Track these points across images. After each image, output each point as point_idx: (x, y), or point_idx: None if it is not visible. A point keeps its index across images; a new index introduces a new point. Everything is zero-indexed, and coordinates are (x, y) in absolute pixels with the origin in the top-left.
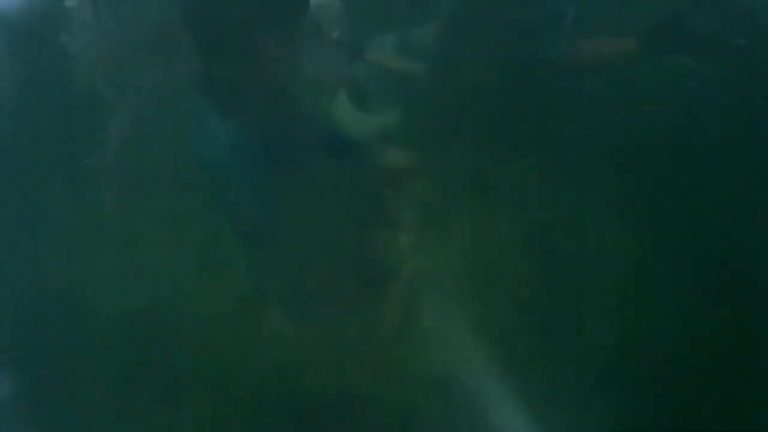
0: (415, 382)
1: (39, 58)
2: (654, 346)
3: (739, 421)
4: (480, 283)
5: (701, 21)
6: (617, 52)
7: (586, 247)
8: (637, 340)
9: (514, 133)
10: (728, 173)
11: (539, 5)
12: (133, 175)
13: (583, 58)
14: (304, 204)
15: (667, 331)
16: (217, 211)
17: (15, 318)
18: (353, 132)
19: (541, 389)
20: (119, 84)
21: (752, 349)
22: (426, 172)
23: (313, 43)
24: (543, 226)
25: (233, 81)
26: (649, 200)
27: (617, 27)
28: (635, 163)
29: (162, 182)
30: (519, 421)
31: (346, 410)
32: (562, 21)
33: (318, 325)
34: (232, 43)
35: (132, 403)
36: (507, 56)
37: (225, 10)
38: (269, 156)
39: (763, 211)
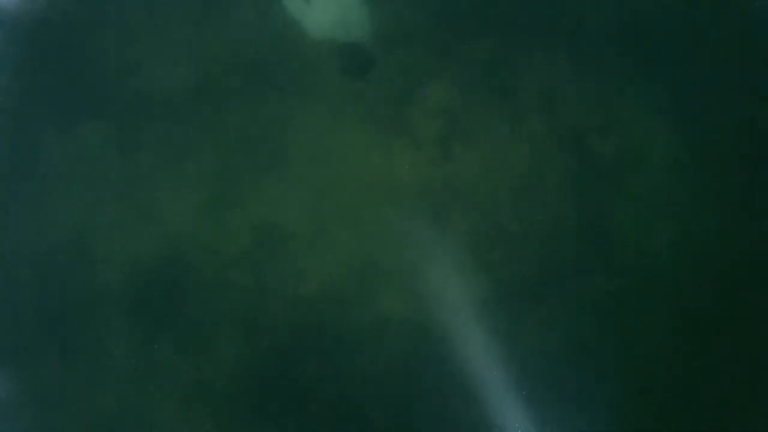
0: (447, 304)
1: None
2: (699, 249)
3: None
4: (512, 197)
5: None
6: None
7: (622, 149)
8: (680, 243)
9: (534, 23)
10: None
11: None
12: (127, 107)
13: None
14: (318, 119)
15: (711, 233)
16: (221, 139)
17: (29, 274)
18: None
19: (584, 301)
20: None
21: None
22: (445, 76)
23: None
24: (575, 130)
25: None
26: (684, 95)
27: None
28: (669, 56)
29: (157, 112)
30: (558, 336)
31: (376, 336)
32: None
33: (340, 252)
34: None
35: (157, 347)
36: None
37: None
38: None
39: None
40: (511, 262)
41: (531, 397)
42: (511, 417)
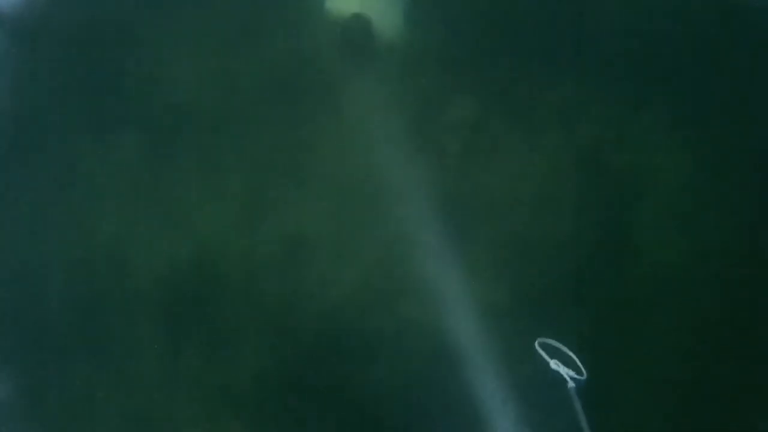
0: (468, 311)
1: None
2: (713, 263)
3: None
4: (531, 209)
5: None
6: None
7: (637, 162)
8: (695, 255)
9: (553, 46)
10: None
11: None
12: (159, 118)
13: None
14: (344, 136)
15: (725, 246)
16: (250, 152)
17: (65, 275)
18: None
19: (600, 310)
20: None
21: None
22: (468, 91)
23: None
24: (592, 144)
25: None
26: (699, 110)
27: None
28: (683, 71)
29: (188, 123)
30: (574, 341)
31: (402, 343)
32: None
33: (363, 262)
34: None
35: (187, 352)
36: None
37: None
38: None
39: None
40: (530, 271)
41: (548, 402)
42: (526, 424)
